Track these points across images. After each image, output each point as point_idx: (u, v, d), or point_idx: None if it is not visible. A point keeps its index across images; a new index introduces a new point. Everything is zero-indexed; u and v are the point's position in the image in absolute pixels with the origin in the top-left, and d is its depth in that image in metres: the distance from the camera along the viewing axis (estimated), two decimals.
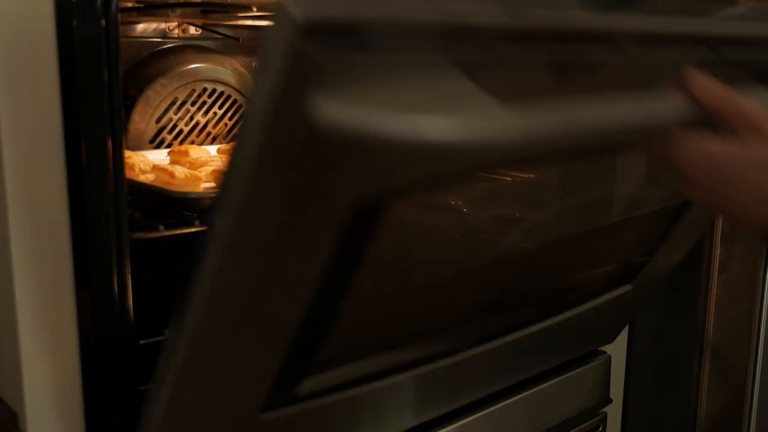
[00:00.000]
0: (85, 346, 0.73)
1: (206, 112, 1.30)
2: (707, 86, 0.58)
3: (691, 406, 1.32)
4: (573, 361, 1.10)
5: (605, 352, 1.15)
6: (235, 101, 1.33)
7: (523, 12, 0.51)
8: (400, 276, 0.75)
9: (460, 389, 0.92)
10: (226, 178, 0.49)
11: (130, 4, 1.07)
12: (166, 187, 0.91)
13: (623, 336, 1.33)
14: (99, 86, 0.70)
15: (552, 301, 0.97)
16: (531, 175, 0.81)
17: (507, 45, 0.51)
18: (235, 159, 0.49)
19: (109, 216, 0.72)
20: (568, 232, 0.91)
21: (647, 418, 1.40)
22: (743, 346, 1.25)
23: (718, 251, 1.23)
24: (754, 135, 0.57)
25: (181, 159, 1.09)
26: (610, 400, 1.16)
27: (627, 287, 1.05)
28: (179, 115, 1.27)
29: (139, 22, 1.25)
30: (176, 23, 1.29)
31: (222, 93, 1.31)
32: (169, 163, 1.05)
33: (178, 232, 0.89)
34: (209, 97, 1.30)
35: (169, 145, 1.26)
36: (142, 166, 1.00)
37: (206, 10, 1.11)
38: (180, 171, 0.94)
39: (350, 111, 0.42)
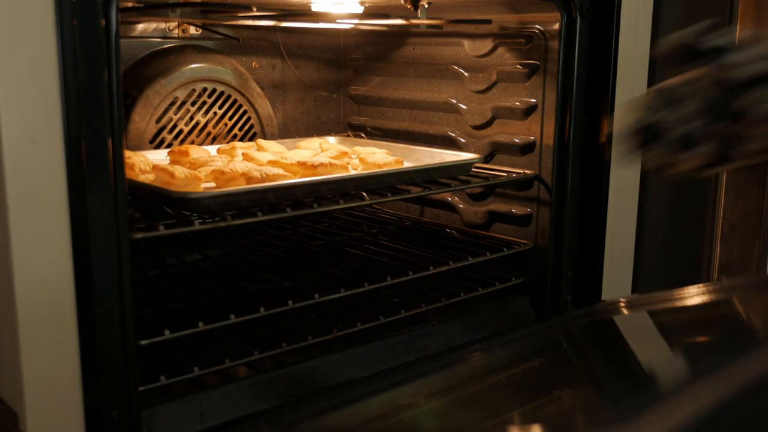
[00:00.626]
0: (85, 346, 0.73)
1: (206, 112, 1.30)
2: None
3: None
4: None
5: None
6: (235, 101, 1.33)
7: None
8: None
9: None
10: None
11: (130, 4, 1.07)
12: (166, 187, 0.91)
13: None
14: (99, 86, 0.70)
15: None
16: None
17: None
18: None
19: (109, 216, 0.72)
20: None
21: None
22: None
23: (718, 251, 1.23)
24: None
25: (181, 159, 1.09)
26: None
27: None
28: (179, 115, 1.27)
29: (139, 22, 1.25)
30: (176, 23, 1.28)
31: (222, 93, 1.31)
32: (169, 163, 1.05)
33: (178, 231, 0.89)
34: (209, 97, 1.30)
35: (169, 145, 1.26)
36: (142, 166, 0.99)
37: (206, 10, 1.11)
38: (180, 171, 0.94)
39: None
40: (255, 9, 1.05)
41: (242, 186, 0.93)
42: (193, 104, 1.28)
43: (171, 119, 1.26)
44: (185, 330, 0.86)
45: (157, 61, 1.25)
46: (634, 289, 1.26)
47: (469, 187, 1.23)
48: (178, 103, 1.26)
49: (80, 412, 0.74)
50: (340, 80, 1.56)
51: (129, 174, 0.95)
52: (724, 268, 1.23)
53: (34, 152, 0.68)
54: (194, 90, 1.28)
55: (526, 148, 1.20)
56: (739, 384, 0.70)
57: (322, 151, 1.20)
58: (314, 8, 1.13)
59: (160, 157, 1.14)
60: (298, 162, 1.03)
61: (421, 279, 1.09)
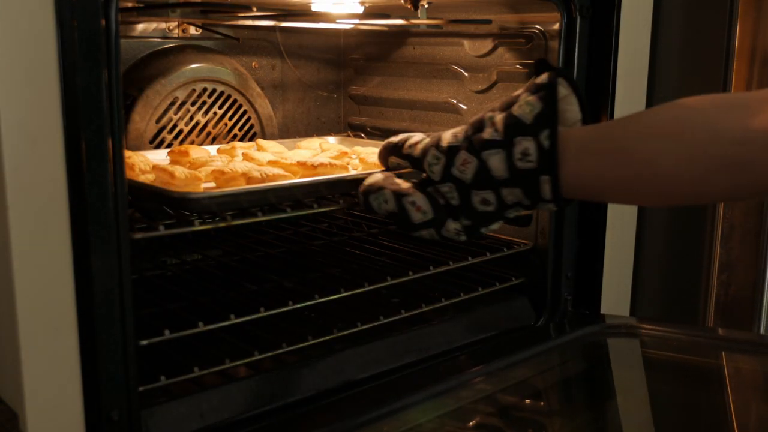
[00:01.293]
0: (85, 346, 0.73)
1: (206, 112, 1.30)
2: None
3: None
4: None
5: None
6: (235, 101, 1.33)
7: None
8: None
9: None
10: None
11: (130, 4, 1.07)
12: (166, 187, 0.91)
13: None
14: (99, 86, 0.70)
15: None
16: None
17: None
18: None
19: (109, 216, 0.72)
20: None
21: None
22: None
23: (718, 251, 1.23)
24: None
25: (181, 159, 1.09)
26: None
27: None
28: (179, 115, 1.27)
29: (139, 22, 1.25)
30: (176, 23, 1.28)
31: (222, 93, 1.31)
32: (169, 163, 1.05)
33: (178, 231, 0.89)
34: (209, 97, 1.30)
35: (169, 145, 1.26)
36: (142, 166, 0.99)
37: (206, 10, 1.10)
38: (180, 171, 0.94)
39: None
40: (255, 9, 1.05)
41: (243, 186, 0.93)
42: (193, 104, 1.28)
43: (171, 119, 1.26)
44: (185, 330, 0.86)
45: (157, 61, 1.25)
46: (634, 289, 1.26)
47: None
48: (178, 103, 1.26)
49: (80, 411, 0.74)
50: (340, 80, 1.56)
51: (129, 174, 0.95)
52: (725, 268, 1.22)
53: (34, 152, 0.68)
54: (194, 90, 1.28)
55: None
56: None
57: (322, 151, 1.20)
58: (314, 8, 1.13)
59: (160, 157, 1.14)
60: (298, 162, 1.03)
61: (421, 279, 1.09)
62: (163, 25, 1.28)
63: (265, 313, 0.92)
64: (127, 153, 1.01)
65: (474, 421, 0.95)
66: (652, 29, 1.18)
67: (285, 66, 1.47)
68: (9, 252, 0.68)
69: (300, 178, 0.99)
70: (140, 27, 1.26)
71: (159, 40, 1.28)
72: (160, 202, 0.89)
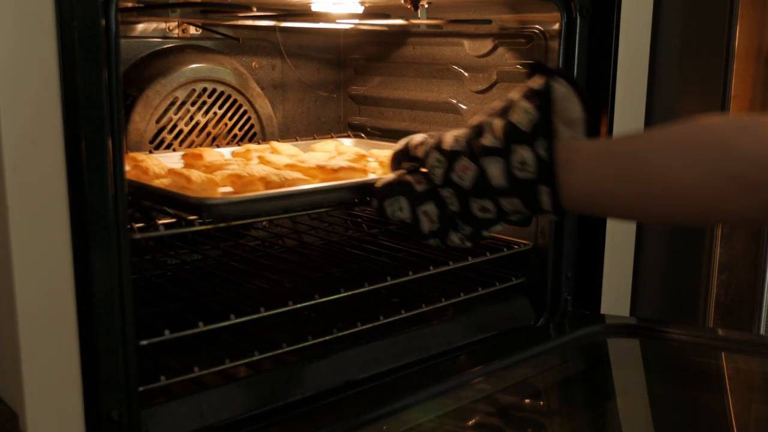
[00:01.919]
0: (85, 346, 0.73)
1: (206, 112, 1.30)
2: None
3: None
4: None
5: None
6: (235, 101, 1.33)
7: None
8: None
9: None
10: None
11: (130, 4, 1.07)
12: (182, 191, 0.87)
13: None
14: (99, 86, 0.70)
15: None
16: None
17: None
18: None
19: (109, 216, 0.72)
20: None
21: None
22: None
23: (718, 251, 1.23)
24: None
25: (196, 162, 1.06)
26: None
27: None
28: (179, 115, 1.27)
29: (139, 22, 1.25)
30: (176, 23, 1.28)
31: (222, 93, 1.31)
32: (183, 167, 1.02)
33: (178, 231, 0.89)
34: (209, 97, 1.30)
35: (169, 145, 1.26)
36: (156, 170, 0.96)
37: (206, 10, 1.10)
38: (197, 175, 0.90)
39: None
40: (255, 9, 1.05)
41: (261, 191, 0.90)
42: (193, 104, 1.28)
43: (171, 119, 1.26)
44: (185, 330, 0.86)
45: (157, 61, 1.25)
46: (633, 289, 1.26)
47: None
48: (178, 103, 1.26)
49: (80, 412, 0.74)
50: (340, 80, 1.56)
51: (143, 178, 0.93)
52: (725, 268, 1.22)
53: (34, 152, 0.68)
54: (194, 90, 1.28)
55: None
56: None
57: (338, 154, 1.18)
58: (314, 8, 1.13)
59: (173, 160, 1.11)
60: (317, 166, 1.00)
61: (421, 279, 1.09)
62: (163, 25, 1.28)
63: (265, 313, 0.92)
64: (141, 156, 1.00)
65: (474, 421, 0.95)
66: (652, 29, 1.18)
67: (285, 66, 1.47)
68: (9, 252, 0.68)
69: (320, 182, 0.97)
70: (140, 27, 1.26)
71: (159, 40, 1.28)
72: (179, 208, 0.87)
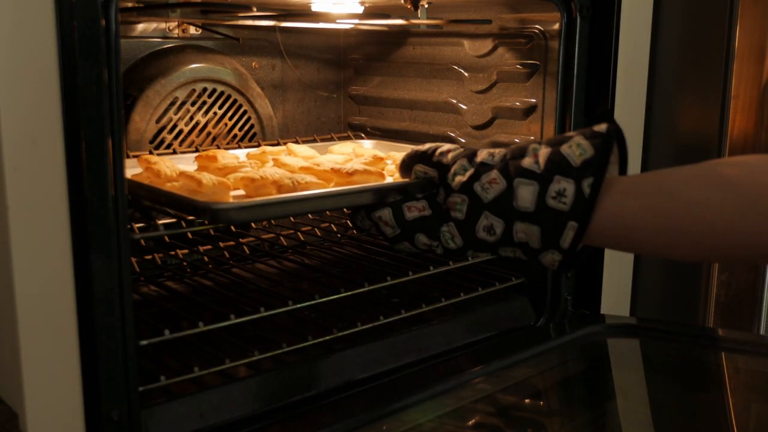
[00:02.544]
0: (85, 346, 0.73)
1: (206, 112, 1.30)
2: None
3: None
4: None
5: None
6: (235, 101, 1.33)
7: None
8: None
9: None
10: None
11: (130, 4, 1.07)
12: (192, 195, 0.85)
13: None
14: (99, 86, 0.70)
15: None
16: None
17: None
18: None
19: (109, 216, 0.72)
20: None
21: None
22: None
23: None
24: None
25: (209, 165, 1.04)
26: None
27: None
28: (179, 115, 1.27)
29: (139, 22, 1.25)
30: (176, 23, 1.29)
31: (222, 93, 1.31)
32: (197, 169, 1.00)
33: (179, 231, 0.88)
34: (209, 97, 1.30)
35: (169, 146, 1.26)
36: (168, 173, 0.94)
37: (206, 10, 1.10)
38: (207, 179, 0.88)
39: None
40: (255, 9, 1.05)
41: (273, 195, 0.89)
42: (193, 104, 1.28)
43: (171, 119, 1.26)
44: (185, 330, 0.86)
45: (157, 61, 1.25)
46: (633, 289, 1.26)
47: None
48: (178, 103, 1.26)
49: (80, 412, 0.74)
50: (340, 80, 1.56)
51: (155, 181, 0.92)
52: (725, 268, 1.23)
53: (34, 152, 0.68)
54: (194, 90, 1.28)
55: None
56: None
57: (356, 156, 1.16)
58: (314, 8, 1.13)
59: (187, 162, 1.10)
60: (332, 169, 0.98)
61: (421, 279, 1.09)
62: (163, 25, 1.28)
63: (265, 313, 0.92)
64: (153, 159, 0.98)
65: (474, 421, 0.95)
66: (652, 29, 1.18)
67: (285, 66, 1.47)
68: (9, 252, 0.68)
69: (334, 185, 0.95)
70: (140, 27, 1.26)
71: (159, 40, 1.28)
72: (187, 211, 0.86)
